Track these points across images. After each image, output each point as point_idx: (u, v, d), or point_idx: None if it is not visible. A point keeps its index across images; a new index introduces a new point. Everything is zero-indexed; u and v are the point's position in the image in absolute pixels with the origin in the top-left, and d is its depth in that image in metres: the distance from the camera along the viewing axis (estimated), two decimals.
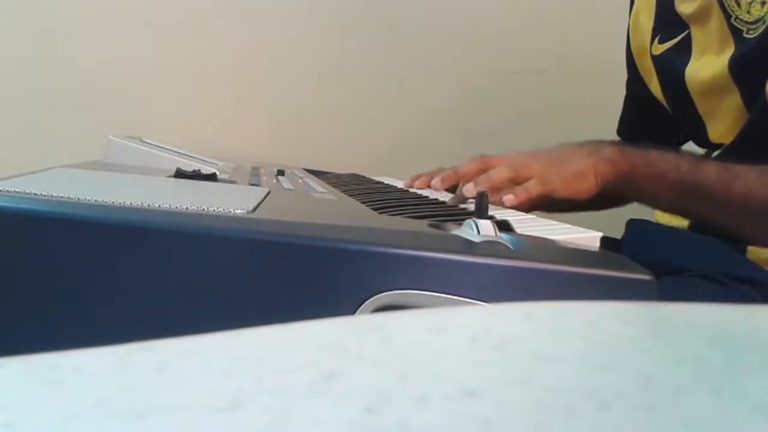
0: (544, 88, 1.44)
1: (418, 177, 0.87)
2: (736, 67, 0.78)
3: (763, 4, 0.75)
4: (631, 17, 0.98)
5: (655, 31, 0.91)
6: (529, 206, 0.70)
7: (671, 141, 1.05)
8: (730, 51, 0.79)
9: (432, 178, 0.83)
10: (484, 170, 0.71)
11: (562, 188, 0.69)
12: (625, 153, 0.72)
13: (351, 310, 0.39)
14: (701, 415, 0.12)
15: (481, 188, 0.65)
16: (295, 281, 0.39)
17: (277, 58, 1.42)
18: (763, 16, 0.75)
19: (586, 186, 0.71)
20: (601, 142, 0.76)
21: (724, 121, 0.82)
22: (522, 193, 0.65)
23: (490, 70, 1.45)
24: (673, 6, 0.87)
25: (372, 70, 1.45)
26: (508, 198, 0.66)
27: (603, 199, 0.76)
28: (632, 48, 0.97)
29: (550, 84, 1.43)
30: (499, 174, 0.67)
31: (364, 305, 0.39)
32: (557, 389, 0.13)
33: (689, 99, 0.86)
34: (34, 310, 0.38)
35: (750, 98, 0.78)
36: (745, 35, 0.77)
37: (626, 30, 1.00)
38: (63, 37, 1.35)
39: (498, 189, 0.71)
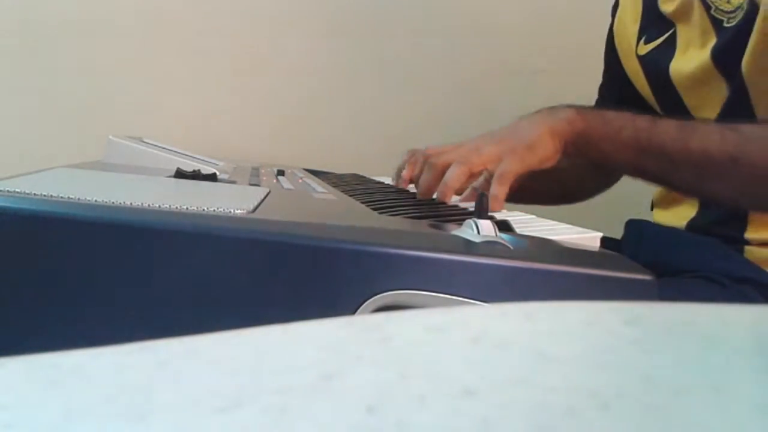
0: (544, 88, 1.44)
1: (400, 173, 0.88)
2: (718, 56, 0.78)
3: None
4: (616, 21, 0.98)
5: (641, 32, 0.92)
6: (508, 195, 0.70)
7: None
8: (712, 42, 0.79)
9: (408, 178, 0.84)
10: (439, 175, 0.69)
11: (522, 165, 0.68)
12: (580, 112, 0.71)
13: (351, 310, 0.39)
14: (701, 415, 0.12)
15: (446, 200, 0.65)
16: (295, 281, 0.39)
17: (277, 58, 1.42)
18: (742, 3, 0.75)
19: (545, 152, 0.69)
20: (556, 106, 0.75)
21: (713, 112, 0.82)
22: (496, 204, 0.64)
23: (490, 70, 1.45)
24: (657, 6, 0.88)
25: (372, 70, 1.45)
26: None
27: (574, 167, 0.75)
28: (618, 51, 0.97)
29: (550, 84, 1.43)
30: (454, 177, 0.66)
31: (364, 305, 0.39)
32: (557, 389, 0.13)
33: (676, 94, 0.86)
34: (34, 310, 0.38)
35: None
36: (725, 24, 0.77)
37: (609, 34, 1.01)
38: (63, 37, 1.35)
39: (462, 189, 0.70)
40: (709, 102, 0.82)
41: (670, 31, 0.87)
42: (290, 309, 0.39)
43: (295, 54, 1.42)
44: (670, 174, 0.70)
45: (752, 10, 0.73)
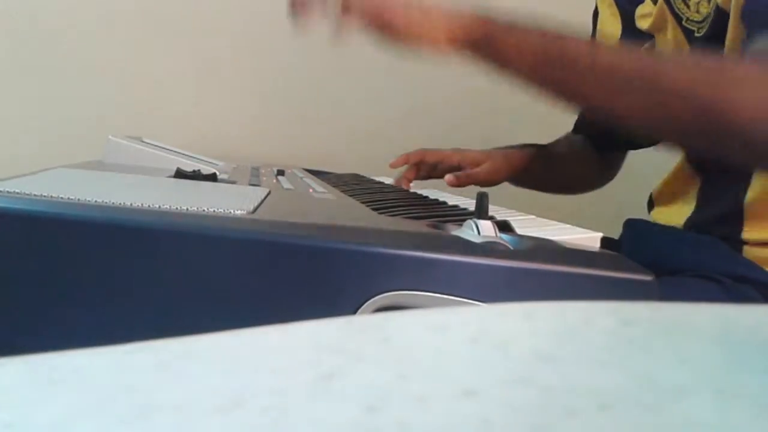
0: None
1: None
2: None
3: (709, 1, 0.76)
4: (597, 32, 0.99)
5: (621, 43, 0.93)
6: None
7: (646, 144, 1.05)
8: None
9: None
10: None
11: (404, 26, 0.71)
12: (481, 11, 0.71)
13: (351, 310, 0.39)
14: (701, 415, 0.12)
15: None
16: (295, 281, 0.39)
17: (277, 57, 1.42)
18: (710, 12, 0.76)
19: (434, 34, 0.71)
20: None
21: None
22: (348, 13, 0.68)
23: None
24: (635, 22, 0.90)
25: (372, 70, 1.45)
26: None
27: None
28: None
29: None
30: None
31: (364, 306, 0.39)
32: (557, 389, 0.13)
33: None
34: (34, 310, 0.38)
35: None
36: (696, 35, 0.79)
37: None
38: (63, 37, 1.35)
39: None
40: None
41: (649, 43, 0.88)
42: (290, 309, 0.39)
43: (296, 54, 1.42)
44: (573, 86, 0.68)
45: (719, 18, 0.74)
